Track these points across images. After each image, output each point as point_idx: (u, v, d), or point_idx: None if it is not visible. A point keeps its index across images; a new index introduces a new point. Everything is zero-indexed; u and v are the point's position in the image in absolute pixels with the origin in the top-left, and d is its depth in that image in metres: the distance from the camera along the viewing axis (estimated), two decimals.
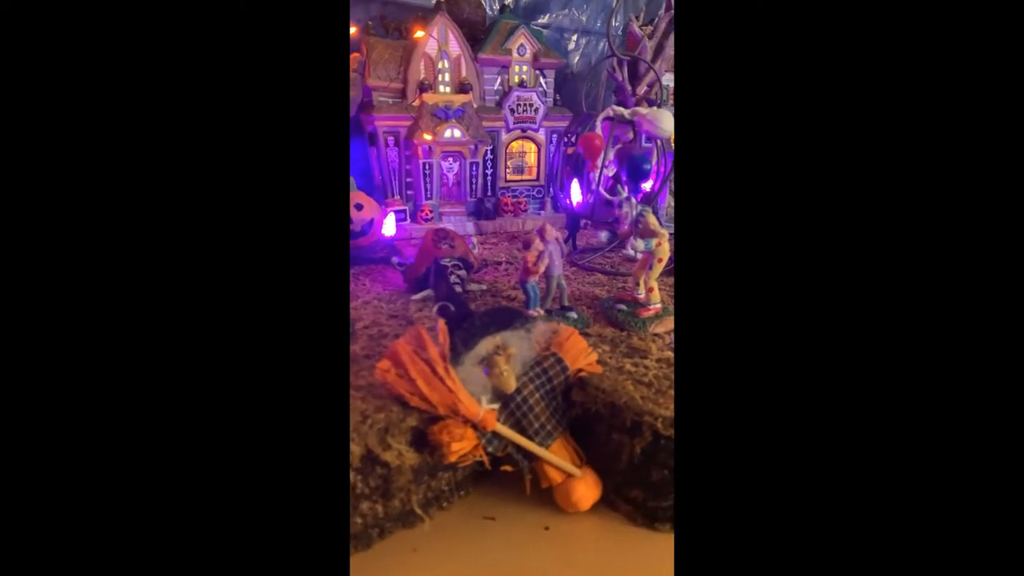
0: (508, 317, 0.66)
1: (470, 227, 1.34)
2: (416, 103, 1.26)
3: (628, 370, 0.67)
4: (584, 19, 1.73)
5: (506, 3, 1.39)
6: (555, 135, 1.45)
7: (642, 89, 1.38)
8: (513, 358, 0.61)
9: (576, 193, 1.25)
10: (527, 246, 0.77)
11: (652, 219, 0.77)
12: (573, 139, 1.55)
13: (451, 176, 1.34)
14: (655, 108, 1.04)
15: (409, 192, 1.31)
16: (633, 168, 0.75)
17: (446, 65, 1.28)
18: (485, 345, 0.60)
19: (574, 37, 1.74)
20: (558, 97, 1.44)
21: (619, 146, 1.15)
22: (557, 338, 0.66)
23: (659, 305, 0.80)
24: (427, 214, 1.29)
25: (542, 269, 0.77)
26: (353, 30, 1.24)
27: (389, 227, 1.16)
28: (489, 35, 1.32)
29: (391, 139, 1.28)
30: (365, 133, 1.28)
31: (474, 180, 1.37)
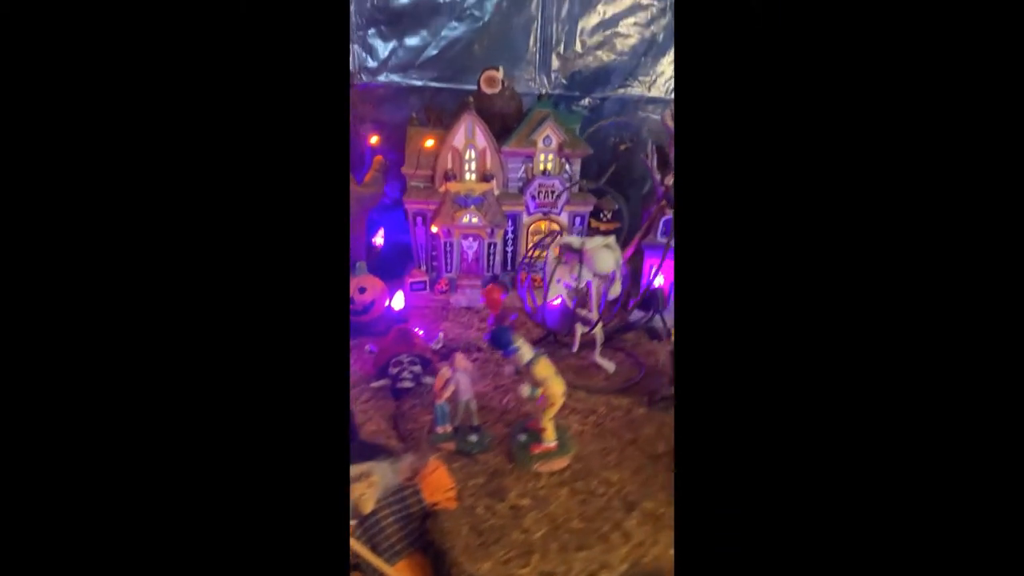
0: (376, 451, 0.79)
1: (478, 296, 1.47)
2: (441, 190, 1.42)
3: (476, 512, 0.76)
4: (644, 91, 1.72)
5: (542, 92, 1.46)
6: (578, 218, 1.50)
7: (671, 179, 1.37)
8: (375, 485, 0.74)
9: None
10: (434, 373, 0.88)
11: (542, 367, 0.83)
12: (607, 215, 1.59)
13: (470, 253, 1.48)
14: (601, 245, 1.05)
15: (434, 264, 1.48)
16: (495, 338, 0.81)
17: (472, 155, 1.41)
18: (354, 470, 0.74)
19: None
20: (583, 182, 1.49)
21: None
22: (423, 470, 0.77)
23: (554, 443, 0.86)
24: (443, 287, 1.45)
25: (447, 395, 0.87)
26: (375, 139, 1.43)
27: (398, 302, 1.34)
28: (519, 126, 1.42)
29: (419, 219, 1.45)
30: (408, 215, 1.47)
31: (492, 257, 1.49)
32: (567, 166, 1.46)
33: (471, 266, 1.50)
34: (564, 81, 1.68)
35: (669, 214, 1.34)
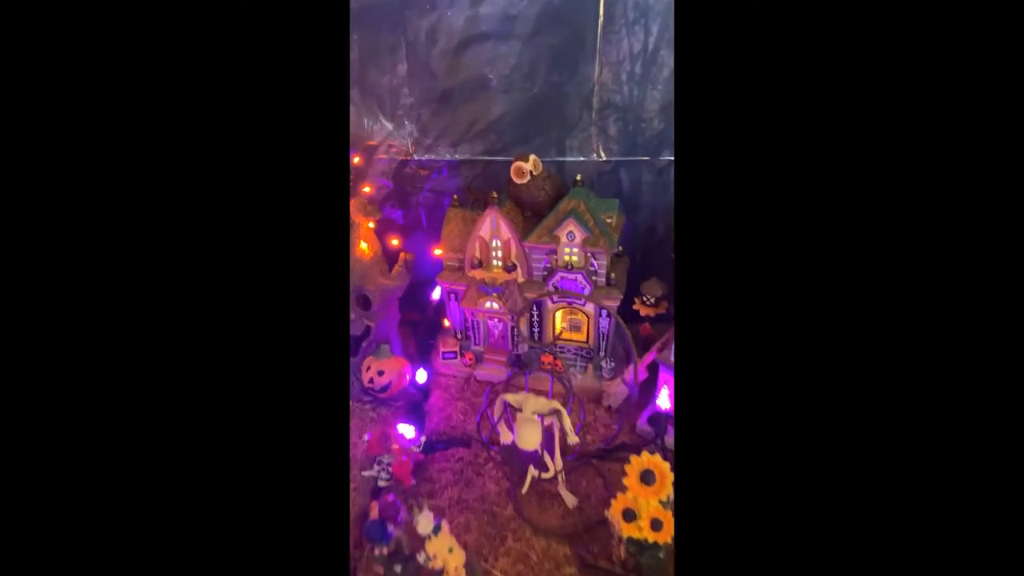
0: None
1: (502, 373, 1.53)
2: (469, 275, 1.47)
3: None
4: None
5: (577, 179, 1.37)
6: (604, 311, 1.43)
7: None
8: None
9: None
10: None
11: (439, 541, 0.89)
12: (651, 299, 1.48)
13: (496, 332, 1.53)
14: (529, 415, 1.00)
15: (468, 334, 1.58)
16: (369, 532, 0.88)
17: (498, 245, 1.42)
18: None
19: None
20: (612, 276, 1.39)
21: None
22: None
23: None
24: (468, 360, 1.55)
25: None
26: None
27: (420, 376, 1.49)
28: (544, 217, 1.38)
29: (452, 296, 1.54)
30: (444, 292, 1.57)
31: (516, 337, 1.52)
32: (593, 260, 1.39)
33: (497, 342, 1.57)
34: (621, 147, 1.55)
35: None
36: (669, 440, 1.31)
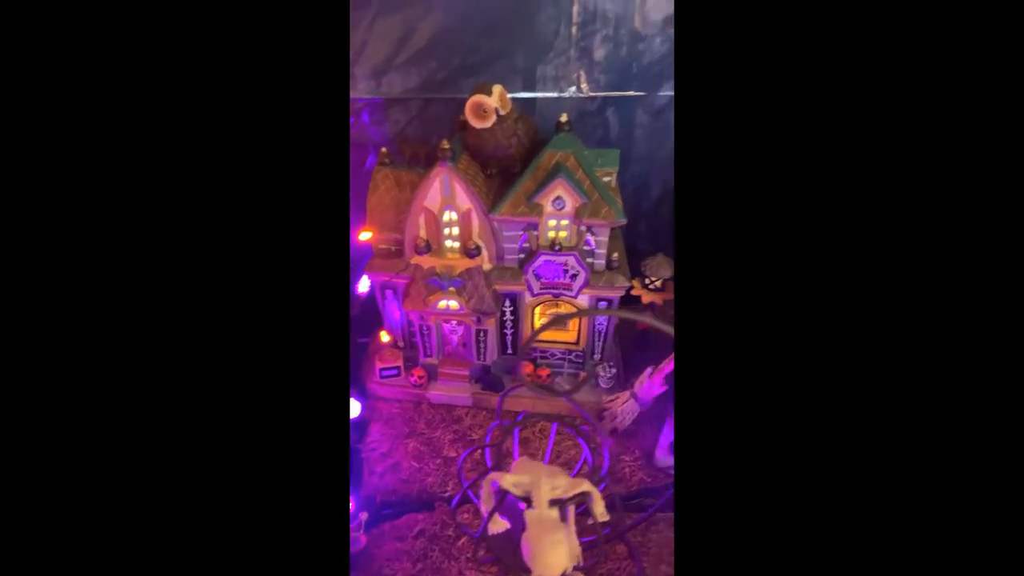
0: None
1: (467, 397, 1.14)
2: (412, 263, 1.05)
3: None
4: None
5: (562, 120, 0.97)
6: (602, 303, 1.07)
7: None
8: None
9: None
10: None
11: None
12: (657, 283, 1.13)
13: (455, 338, 1.13)
14: (540, 526, 0.62)
15: (413, 341, 1.16)
16: None
17: (452, 219, 1.00)
18: None
19: None
20: (615, 258, 1.03)
21: None
22: None
23: None
24: (417, 379, 1.14)
25: None
26: None
27: (351, 410, 1.06)
28: (521, 175, 0.97)
29: (389, 292, 1.11)
30: (375, 287, 1.13)
31: (482, 345, 1.13)
32: (590, 236, 1.01)
33: (457, 350, 1.16)
34: (614, 77, 1.15)
35: None
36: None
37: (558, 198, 0.96)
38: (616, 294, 1.06)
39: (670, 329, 0.70)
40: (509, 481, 0.60)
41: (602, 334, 1.12)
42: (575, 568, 0.72)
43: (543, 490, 0.59)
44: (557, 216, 0.99)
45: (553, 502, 0.59)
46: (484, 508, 0.64)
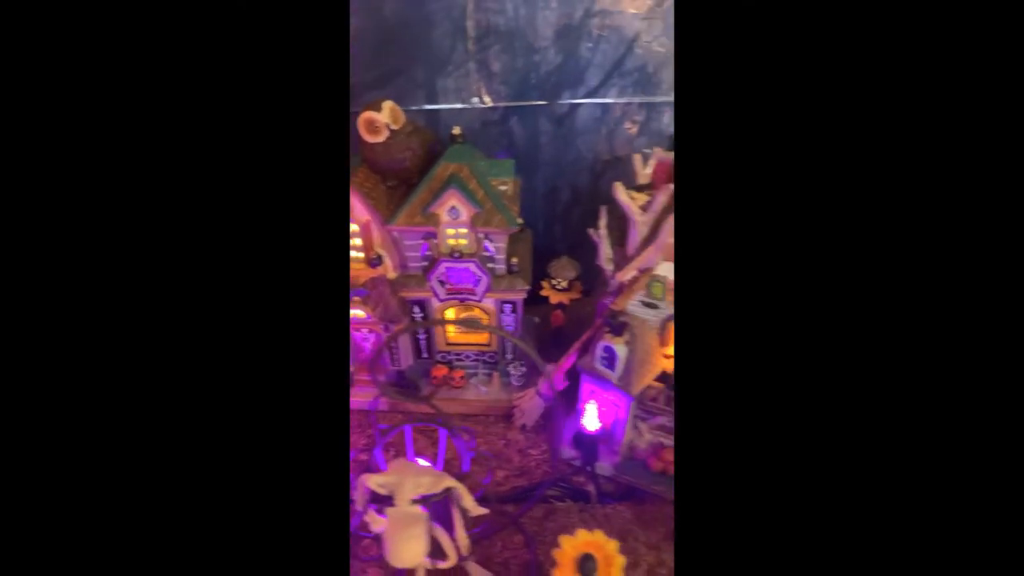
0: None
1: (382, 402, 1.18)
2: None
3: None
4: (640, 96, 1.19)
5: (455, 132, 1.01)
6: (507, 305, 1.11)
7: (627, 274, 0.95)
8: None
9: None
10: None
11: None
12: (562, 283, 1.19)
13: (367, 345, 1.16)
14: (398, 521, 0.67)
15: None
16: None
17: (355, 230, 1.03)
18: None
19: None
20: (514, 262, 1.07)
21: None
22: None
23: None
24: None
25: None
26: None
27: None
28: (415, 188, 1.01)
29: None
30: None
31: (394, 351, 1.17)
32: (488, 243, 1.06)
33: (371, 357, 1.20)
34: (513, 88, 1.19)
35: (610, 341, 0.94)
36: (603, 467, 1.05)
37: (452, 208, 1.00)
38: (518, 297, 1.11)
39: (532, 352, 0.75)
40: (375, 481, 0.64)
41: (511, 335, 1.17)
42: (463, 559, 0.76)
43: (406, 488, 0.63)
44: (454, 225, 1.03)
45: (417, 499, 0.64)
46: (359, 507, 0.67)
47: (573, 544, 0.68)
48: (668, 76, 1.19)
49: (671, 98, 1.21)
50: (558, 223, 1.40)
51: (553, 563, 0.68)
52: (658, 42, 1.15)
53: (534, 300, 1.25)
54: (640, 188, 0.98)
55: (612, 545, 0.68)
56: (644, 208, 0.92)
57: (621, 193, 0.91)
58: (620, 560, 0.68)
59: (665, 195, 0.88)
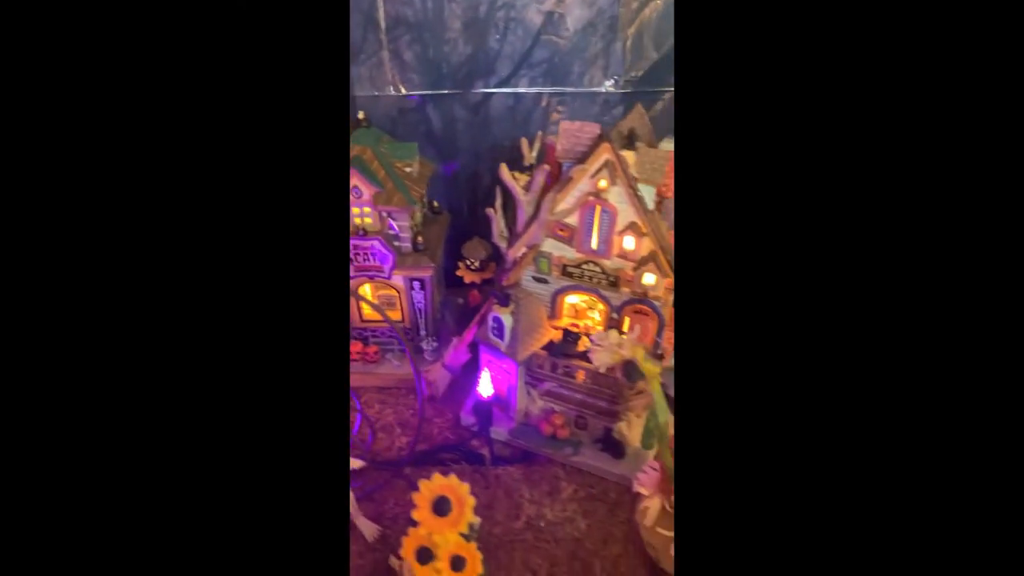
0: None
1: None
2: None
3: None
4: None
5: (359, 116, 1.07)
6: (416, 282, 1.17)
7: (518, 251, 1.02)
8: None
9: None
10: None
11: None
12: (475, 263, 1.25)
13: None
14: None
15: None
16: None
17: None
18: None
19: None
20: (420, 240, 1.13)
21: None
22: None
23: None
24: None
25: None
26: None
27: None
28: None
29: None
30: None
31: None
32: (392, 222, 1.11)
33: None
34: (427, 77, 1.25)
35: (498, 312, 1.00)
36: (498, 432, 1.11)
37: (355, 187, 1.06)
38: (425, 274, 1.17)
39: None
40: None
41: (422, 311, 1.23)
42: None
43: None
44: (358, 204, 1.08)
45: None
46: None
47: (429, 487, 0.74)
48: (577, 67, 1.26)
49: (580, 88, 1.28)
50: (480, 207, 1.47)
51: (413, 505, 0.74)
52: (561, 35, 1.22)
53: (459, 283, 1.32)
54: (525, 169, 1.04)
55: (464, 488, 0.74)
56: (526, 188, 0.98)
57: (505, 174, 0.98)
58: (471, 500, 0.74)
59: (542, 175, 0.95)
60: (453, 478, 0.74)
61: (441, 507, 0.73)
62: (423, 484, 0.74)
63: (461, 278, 1.30)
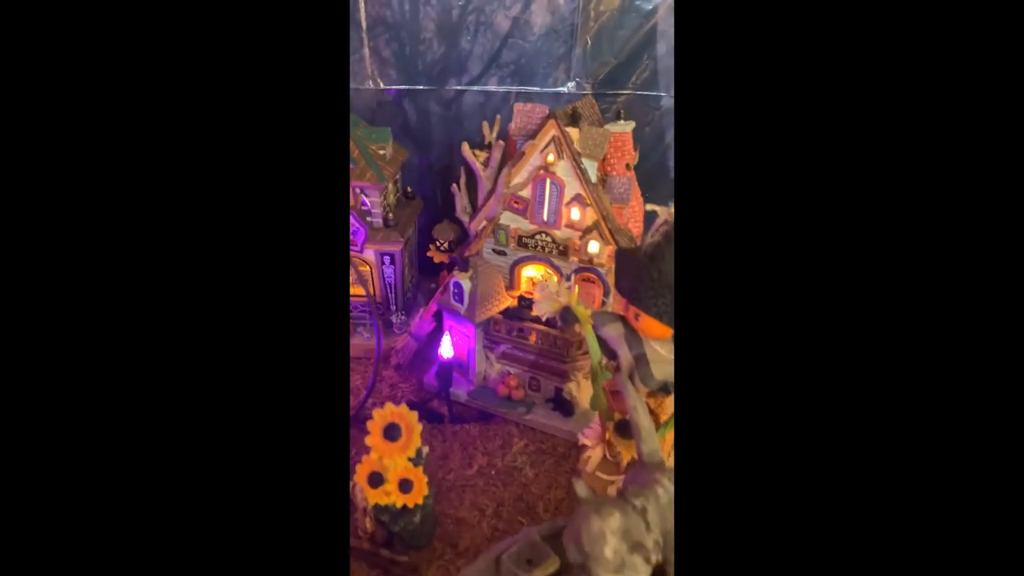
0: None
1: None
2: None
3: None
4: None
5: None
6: (386, 256, 1.26)
7: (479, 224, 1.11)
8: None
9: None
10: None
11: None
12: (444, 244, 1.34)
13: None
14: None
15: None
16: None
17: None
18: None
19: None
20: (391, 217, 1.23)
21: None
22: None
23: None
24: None
25: None
26: None
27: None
28: None
29: None
30: None
31: None
32: (364, 197, 1.21)
33: None
34: (403, 74, 1.37)
35: (457, 277, 1.09)
36: (457, 394, 1.18)
37: None
38: (395, 248, 1.26)
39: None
40: None
41: (393, 286, 1.32)
42: None
43: None
44: None
45: None
46: None
47: (382, 415, 0.81)
48: (542, 68, 1.39)
49: (544, 88, 1.40)
50: (451, 195, 1.57)
51: (367, 432, 0.81)
52: (527, 39, 1.34)
53: (431, 266, 1.41)
54: (485, 147, 1.15)
55: (413, 416, 0.81)
56: (485, 164, 1.08)
57: (467, 151, 1.08)
58: (419, 427, 0.81)
59: (499, 150, 1.05)
60: (403, 407, 0.81)
61: (391, 432, 0.80)
62: (376, 412, 0.81)
63: (431, 259, 1.39)
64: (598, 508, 0.59)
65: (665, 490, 0.62)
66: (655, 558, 0.59)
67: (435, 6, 1.29)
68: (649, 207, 0.92)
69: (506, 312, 1.12)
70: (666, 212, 0.74)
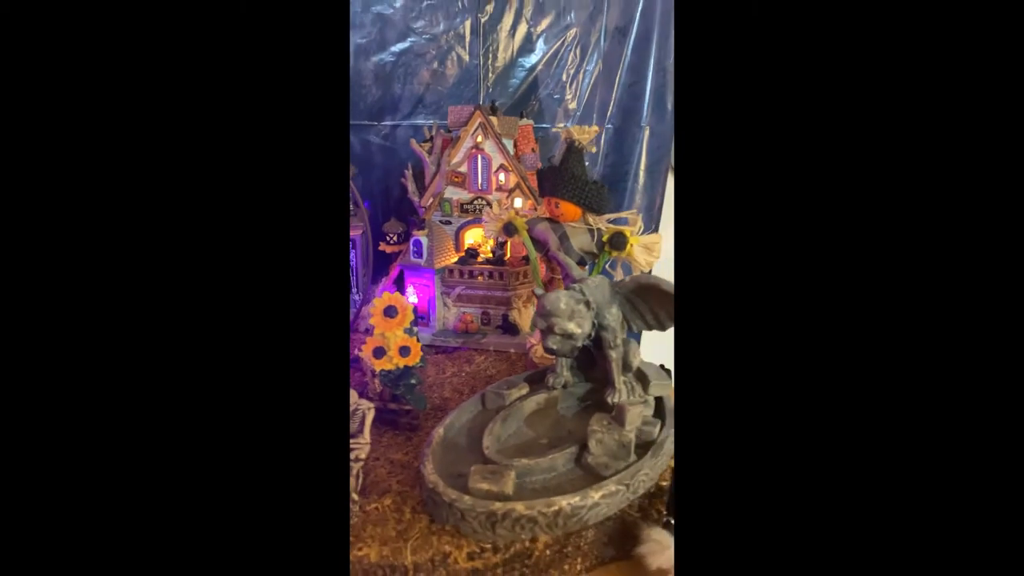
0: None
1: None
2: None
3: None
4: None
5: None
6: (357, 239, 1.54)
7: (427, 200, 1.43)
8: None
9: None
10: None
11: None
12: (393, 238, 1.63)
13: None
14: None
15: None
16: None
17: None
18: None
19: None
20: (354, 208, 1.53)
21: None
22: None
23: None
24: None
25: None
26: None
27: None
28: None
29: None
30: None
31: None
32: None
33: None
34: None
35: (417, 235, 1.40)
36: (423, 337, 1.41)
37: None
38: (355, 234, 1.53)
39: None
40: None
41: (354, 269, 1.56)
42: None
43: None
44: None
45: None
46: None
47: (381, 301, 1.05)
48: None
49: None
50: (392, 212, 1.88)
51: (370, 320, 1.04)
52: (443, 86, 1.78)
53: (380, 260, 1.67)
54: (426, 140, 1.51)
55: (404, 299, 1.06)
56: (429, 152, 1.43)
57: (414, 144, 1.43)
58: (410, 305, 1.06)
59: (440, 138, 1.41)
60: (397, 294, 1.06)
61: (390, 312, 1.03)
62: (376, 300, 1.04)
63: (384, 252, 1.66)
64: (551, 292, 0.89)
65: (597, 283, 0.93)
66: (592, 304, 0.88)
67: (373, 60, 1.70)
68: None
69: (459, 260, 1.41)
70: (565, 132, 1.13)
